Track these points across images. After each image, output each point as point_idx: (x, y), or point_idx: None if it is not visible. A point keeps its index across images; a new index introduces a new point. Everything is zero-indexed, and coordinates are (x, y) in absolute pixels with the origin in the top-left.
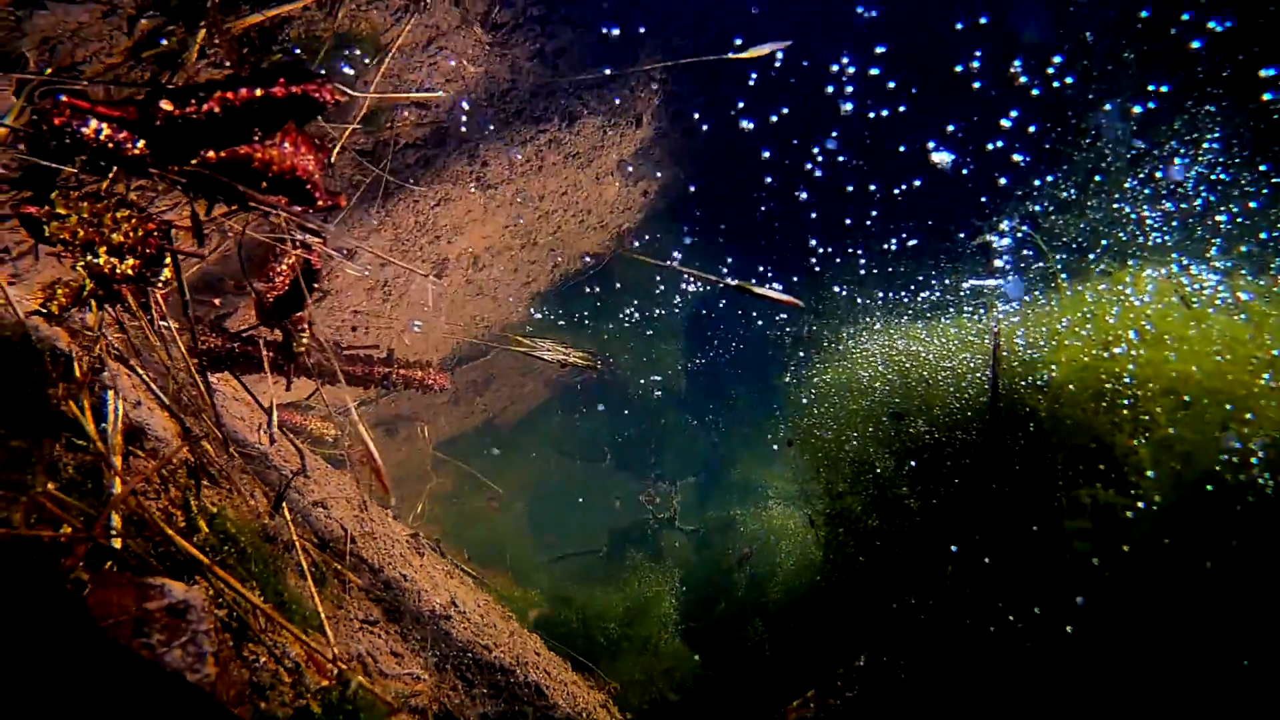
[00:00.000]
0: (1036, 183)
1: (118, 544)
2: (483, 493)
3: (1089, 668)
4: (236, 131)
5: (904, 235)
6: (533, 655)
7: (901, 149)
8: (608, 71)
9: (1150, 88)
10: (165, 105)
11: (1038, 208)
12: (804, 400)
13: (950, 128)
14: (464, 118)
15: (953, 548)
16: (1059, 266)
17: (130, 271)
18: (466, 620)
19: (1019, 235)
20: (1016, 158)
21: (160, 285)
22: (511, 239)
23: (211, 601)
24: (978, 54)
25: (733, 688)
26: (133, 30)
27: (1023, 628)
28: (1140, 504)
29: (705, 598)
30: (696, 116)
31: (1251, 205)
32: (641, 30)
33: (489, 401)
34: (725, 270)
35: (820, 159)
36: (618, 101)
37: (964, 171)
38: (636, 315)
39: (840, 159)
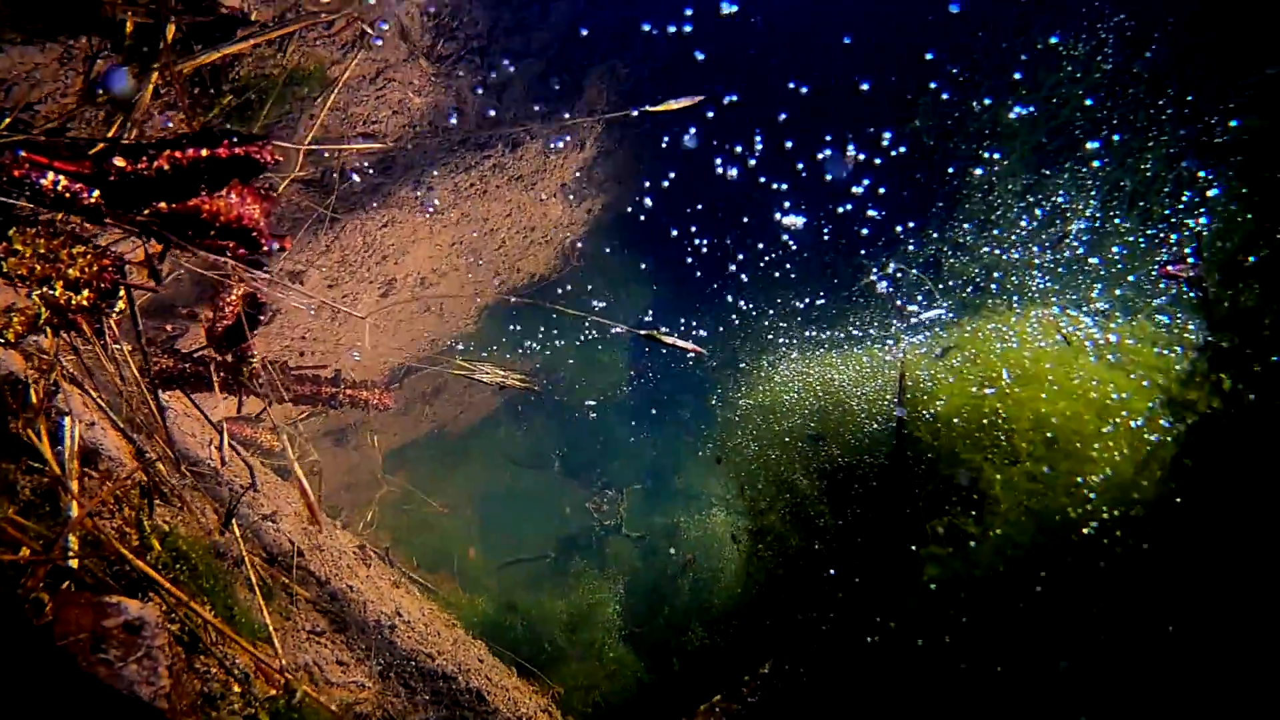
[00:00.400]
0: (934, 233)
1: (75, 564)
2: (433, 499)
3: (941, 683)
4: (185, 187)
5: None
6: (475, 662)
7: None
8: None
9: (1043, 140)
10: (118, 161)
11: (934, 250)
12: (731, 419)
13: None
14: (409, 147)
15: (830, 570)
16: (945, 307)
17: (85, 303)
18: (411, 629)
19: (912, 277)
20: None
21: (114, 314)
22: (457, 258)
23: (165, 617)
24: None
25: (673, 691)
26: (89, 72)
27: (886, 641)
28: (994, 532)
29: (651, 603)
30: (640, 136)
31: (1125, 252)
32: (585, 63)
33: (439, 410)
34: (655, 288)
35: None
36: (561, 127)
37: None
38: (582, 327)
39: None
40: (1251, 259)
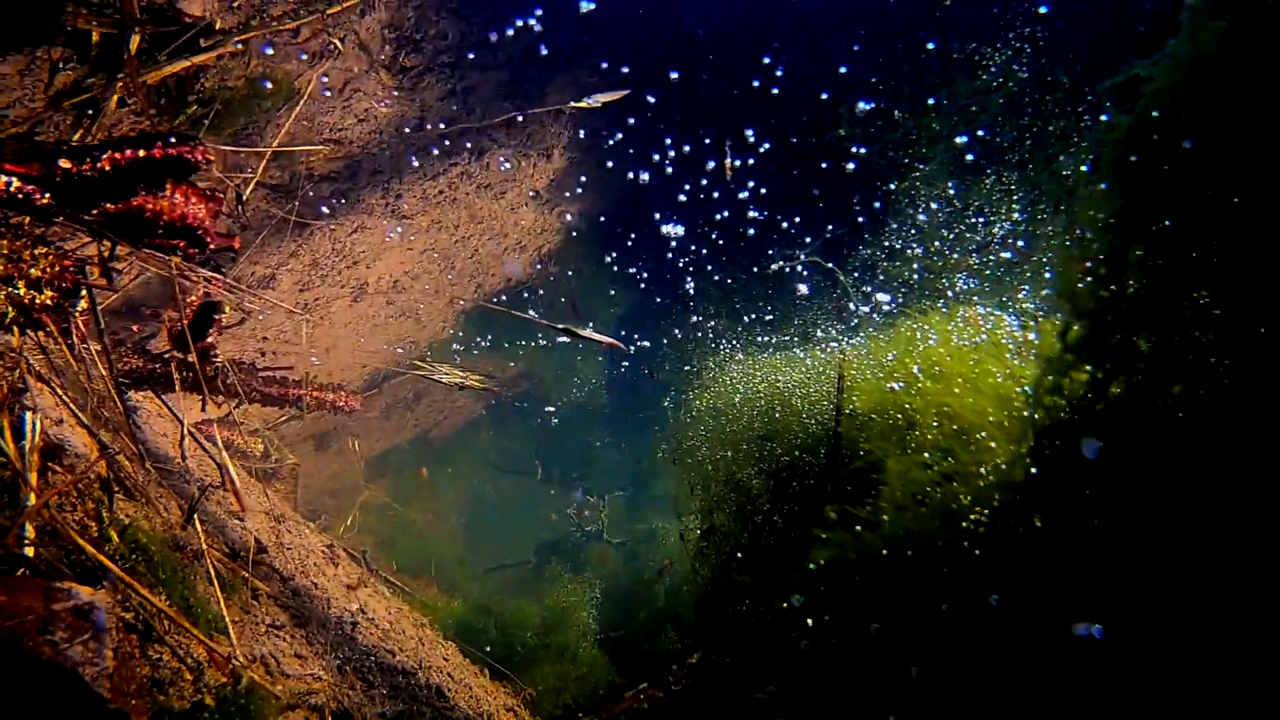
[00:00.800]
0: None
1: (30, 552)
2: (416, 505)
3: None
4: (125, 187)
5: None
6: (439, 660)
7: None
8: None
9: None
10: (64, 163)
11: (868, 254)
12: (684, 421)
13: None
14: (374, 152)
15: (738, 554)
16: (855, 305)
17: (49, 302)
18: (374, 626)
19: (849, 281)
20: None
21: (77, 313)
22: (430, 264)
23: (118, 605)
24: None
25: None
26: (52, 81)
27: (782, 622)
28: (884, 518)
29: (629, 608)
30: (609, 148)
31: (1053, 255)
32: (549, 73)
33: (421, 416)
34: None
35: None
36: (528, 137)
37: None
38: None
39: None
40: (1130, 251)
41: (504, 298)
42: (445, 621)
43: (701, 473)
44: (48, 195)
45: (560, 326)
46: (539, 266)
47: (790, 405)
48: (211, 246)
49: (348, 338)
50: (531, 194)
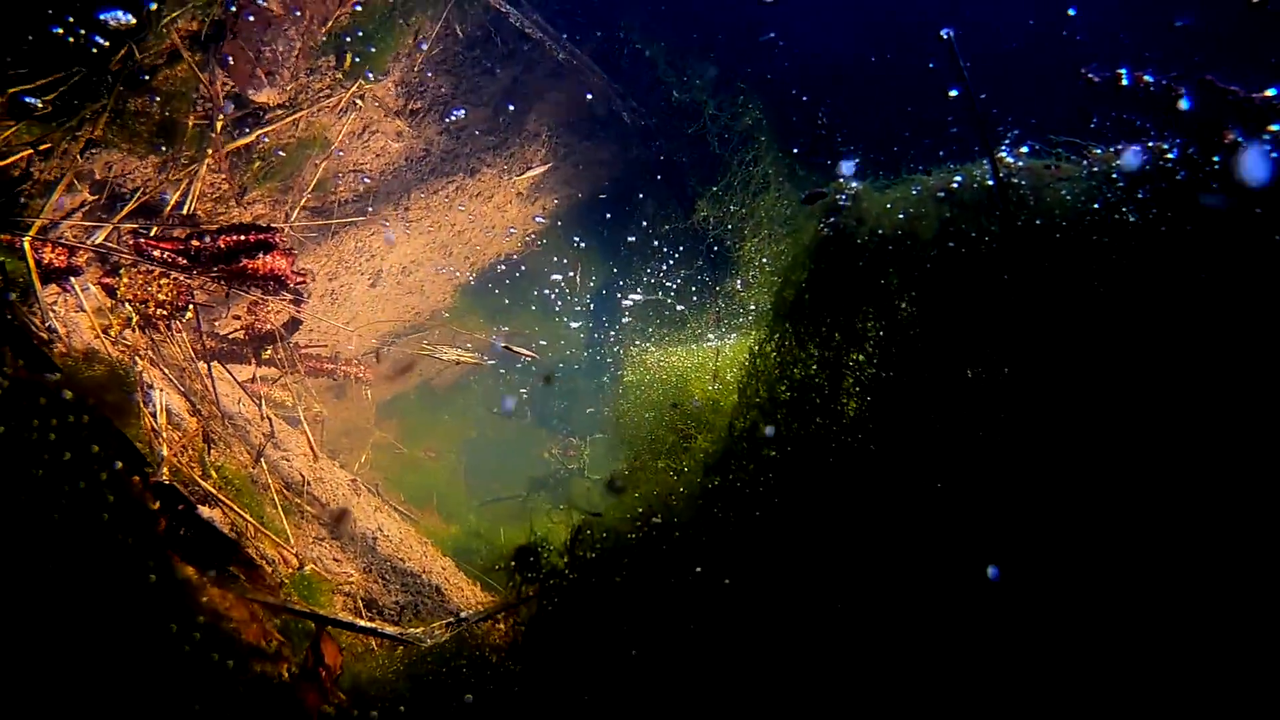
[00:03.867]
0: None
1: (166, 482)
2: (422, 444)
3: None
4: (234, 255)
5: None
6: (439, 569)
7: None
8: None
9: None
10: (195, 243)
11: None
12: (618, 391)
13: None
14: (389, 178)
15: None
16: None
17: (165, 312)
18: (389, 541)
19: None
20: None
21: (184, 319)
22: (431, 252)
23: (224, 521)
24: None
25: None
26: (165, 165)
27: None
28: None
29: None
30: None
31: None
32: (526, 106)
33: (424, 368)
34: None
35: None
36: (510, 156)
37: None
38: (549, 298)
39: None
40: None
41: (503, 267)
42: (444, 544)
43: (629, 438)
44: (184, 259)
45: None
46: (528, 241)
47: (687, 382)
48: (291, 285)
49: (365, 311)
50: (516, 194)
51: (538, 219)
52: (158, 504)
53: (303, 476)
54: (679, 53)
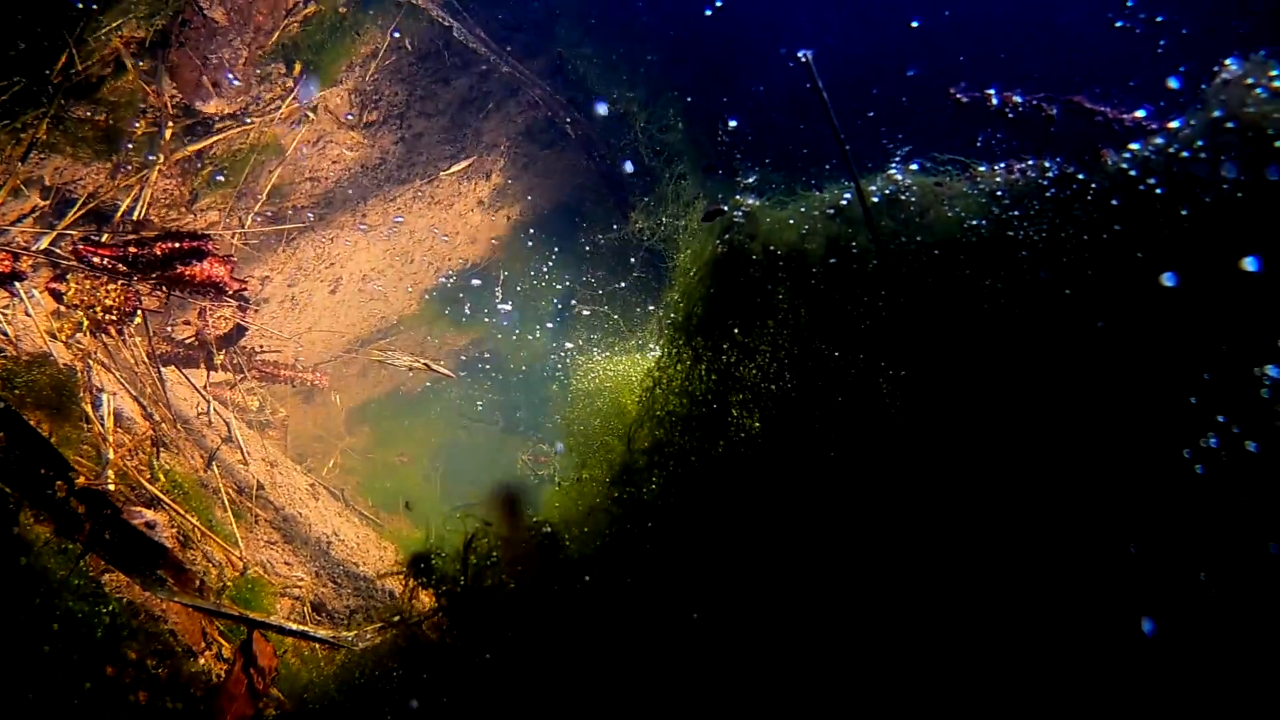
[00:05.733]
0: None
1: (112, 487)
2: (393, 449)
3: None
4: (169, 261)
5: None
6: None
7: None
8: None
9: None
10: (133, 249)
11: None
12: (567, 399)
13: None
14: (344, 186)
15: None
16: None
17: (114, 317)
18: (345, 545)
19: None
20: None
21: (133, 324)
22: (393, 259)
23: (169, 524)
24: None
25: None
26: (116, 166)
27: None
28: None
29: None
30: (541, 164)
31: None
32: (482, 113)
33: (392, 374)
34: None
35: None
36: (469, 165)
37: None
38: (510, 307)
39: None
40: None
41: (473, 274)
42: (409, 549)
43: (580, 436)
44: (123, 265)
45: (417, 365)
46: (491, 246)
47: (632, 387)
48: (230, 292)
49: (326, 319)
50: (478, 202)
51: (500, 226)
52: (83, 509)
53: (257, 481)
54: (611, 67)
